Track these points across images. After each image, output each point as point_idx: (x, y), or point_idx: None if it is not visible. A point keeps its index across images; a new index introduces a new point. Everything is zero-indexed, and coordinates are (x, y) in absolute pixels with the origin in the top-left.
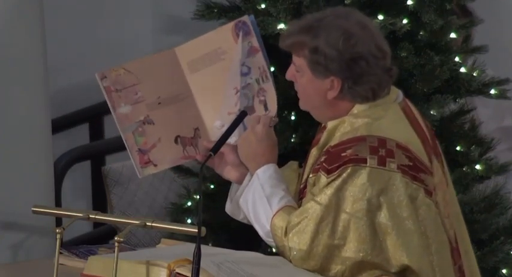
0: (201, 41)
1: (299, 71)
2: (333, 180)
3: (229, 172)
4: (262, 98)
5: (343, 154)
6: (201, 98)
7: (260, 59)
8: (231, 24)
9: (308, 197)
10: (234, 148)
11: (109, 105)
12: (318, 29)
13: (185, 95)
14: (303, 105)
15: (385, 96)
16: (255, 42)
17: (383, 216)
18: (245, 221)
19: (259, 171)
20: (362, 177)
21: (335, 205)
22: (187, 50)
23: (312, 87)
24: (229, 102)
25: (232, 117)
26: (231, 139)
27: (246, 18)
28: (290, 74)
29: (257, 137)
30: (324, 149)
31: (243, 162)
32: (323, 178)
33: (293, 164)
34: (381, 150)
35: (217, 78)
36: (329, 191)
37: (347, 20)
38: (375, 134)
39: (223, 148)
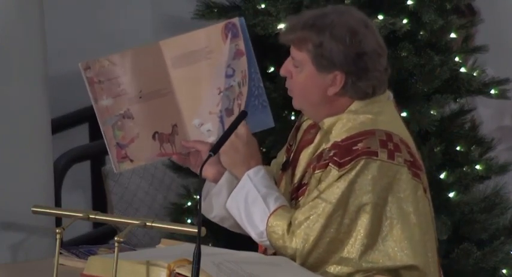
0: (188, 38)
1: (298, 66)
2: (345, 174)
3: (205, 171)
4: (239, 102)
5: (354, 147)
6: (182, 95)
7: (244, 62)
8: (221, 25)
9: (314, 193)
10: (211, 146)
11: (91, 96)
12: (322, 26)
13: (166, 90)
14: (298, 102)
15: (381, 94)
16: (241, 45)
17: (389, 210)
18: (215, 220)
19: (251, 173)
20: (372, 170)
21: (346, 199)
22: (172, 45)
23: (312, 83)
24: (211, 101)
25: (213, 117)
26: (210, 138)
27: (236, 20)
28: (285, 70)
29: (243, 140)
30: (329, 144)
31: (228, 169)
32: (334, 172)
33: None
34: (389, 144)
35: (200, 76)
36: (342, 184)
37: (350, 17)
38: (381, 128)
39: (199, 147)
